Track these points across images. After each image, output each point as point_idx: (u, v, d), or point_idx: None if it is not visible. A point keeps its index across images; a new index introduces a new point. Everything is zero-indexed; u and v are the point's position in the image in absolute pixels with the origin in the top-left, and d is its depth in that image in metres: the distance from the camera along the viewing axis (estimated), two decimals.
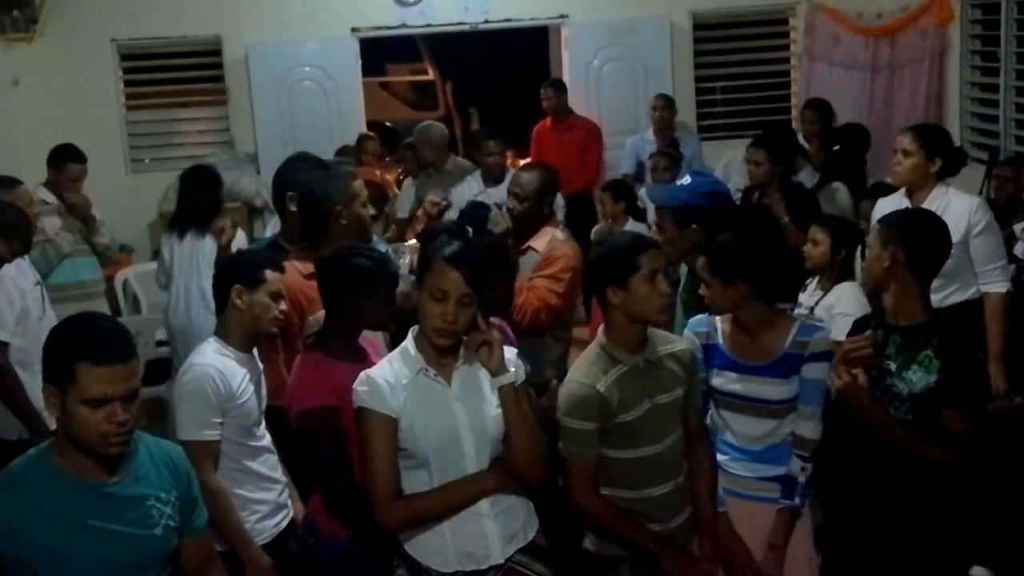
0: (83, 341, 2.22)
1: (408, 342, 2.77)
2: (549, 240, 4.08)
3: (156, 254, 7.64)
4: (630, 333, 2.86)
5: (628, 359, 2.84)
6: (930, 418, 2.77)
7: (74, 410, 2.21)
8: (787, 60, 8.45)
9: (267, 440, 3.24)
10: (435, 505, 2.71)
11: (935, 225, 2.99)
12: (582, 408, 2.80)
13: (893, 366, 2.85)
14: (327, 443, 2.87)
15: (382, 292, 3.04)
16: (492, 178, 6.21)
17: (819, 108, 6.89)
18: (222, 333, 3.19)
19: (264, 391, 3.25)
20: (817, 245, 4.07)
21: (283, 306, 3.21)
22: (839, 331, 3.40)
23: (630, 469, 2.85)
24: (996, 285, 4.16)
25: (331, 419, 2.87)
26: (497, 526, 2.74)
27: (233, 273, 3.20)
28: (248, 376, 3.16)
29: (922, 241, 2.90)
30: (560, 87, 7.79)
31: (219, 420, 3.04)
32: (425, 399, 2.70)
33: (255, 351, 3.29)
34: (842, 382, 2.84)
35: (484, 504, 2.73)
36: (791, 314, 3.14)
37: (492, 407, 2.74)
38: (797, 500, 3.02)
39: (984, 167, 5.94)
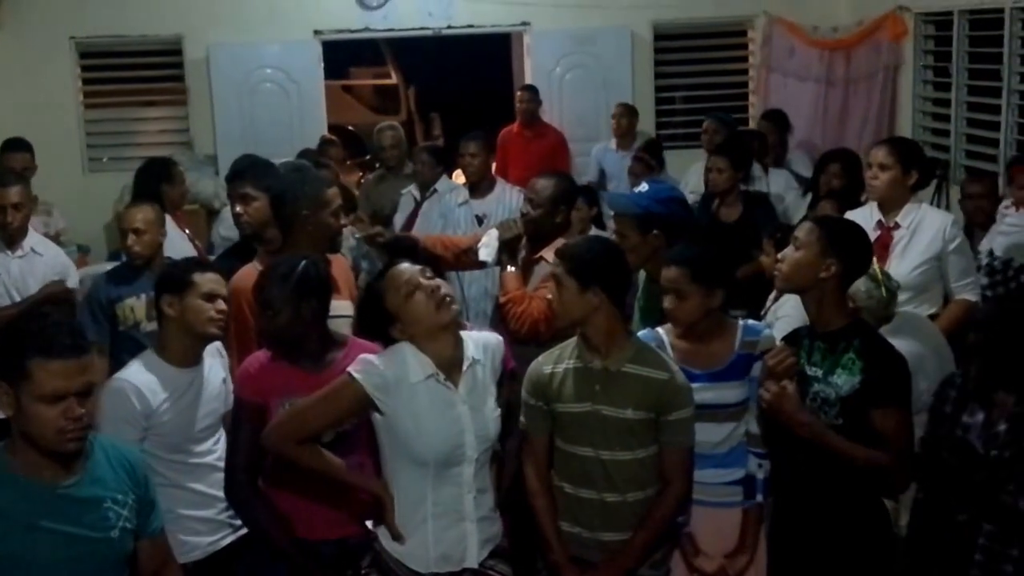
0: (34, 337, 2.20)
1: (407, 347, 2.77)
2: None
3: (112, 255, 7.61)
4: (586, 334, 2.90)
5: (587, 358, 2.90)
6: (859, 422, 2.80)
7: (30, 408, 2.20)
8: (745, 71, 8.57)
9: (212, 457, 3.16)
10: (318, 470, 2.78)
11: (868, 244, 3.06)
12: (529, 383, 2.97)
13: (820, 372, 2.88)
14: (246, 435, 2.93)
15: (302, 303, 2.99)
16: (471, 185, 5.63)
17: (775, 119, 7.01)
18: (159, 348, 3.15)
19: (214, 405, 3.18)
20: (768, 255, 4.22)
21: (220, 305, 3.13)
22: (779, 332, 3.47)
23: (566, 462, 2.93)
24: (968, 295, 4.16)
25: (257, 415, 2.93)
26: (477, 530, 2.79)
27: (160, 285, 3.17)
28: (176, 393, 3.08)
29: (860, 261, 2.97)
30: (535, 92, 7.75)
31: (137, 436, 2.98)
32: (434, 403, 2.74)
33: (213, 359, 3.23)
34: (771, 394, 2.87)
35: (469, 508, 2.78)
36: (733, 318, 3.18)
37: (492, 408, 2.83)
38: (759, 497, 3.06)
39: (935, 181, 6.05)
